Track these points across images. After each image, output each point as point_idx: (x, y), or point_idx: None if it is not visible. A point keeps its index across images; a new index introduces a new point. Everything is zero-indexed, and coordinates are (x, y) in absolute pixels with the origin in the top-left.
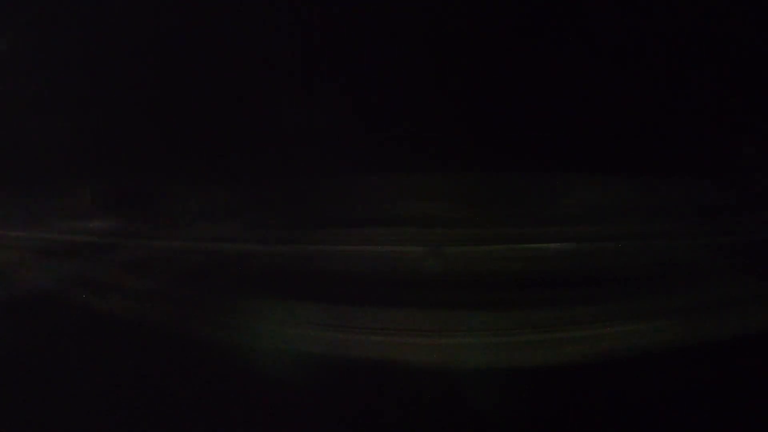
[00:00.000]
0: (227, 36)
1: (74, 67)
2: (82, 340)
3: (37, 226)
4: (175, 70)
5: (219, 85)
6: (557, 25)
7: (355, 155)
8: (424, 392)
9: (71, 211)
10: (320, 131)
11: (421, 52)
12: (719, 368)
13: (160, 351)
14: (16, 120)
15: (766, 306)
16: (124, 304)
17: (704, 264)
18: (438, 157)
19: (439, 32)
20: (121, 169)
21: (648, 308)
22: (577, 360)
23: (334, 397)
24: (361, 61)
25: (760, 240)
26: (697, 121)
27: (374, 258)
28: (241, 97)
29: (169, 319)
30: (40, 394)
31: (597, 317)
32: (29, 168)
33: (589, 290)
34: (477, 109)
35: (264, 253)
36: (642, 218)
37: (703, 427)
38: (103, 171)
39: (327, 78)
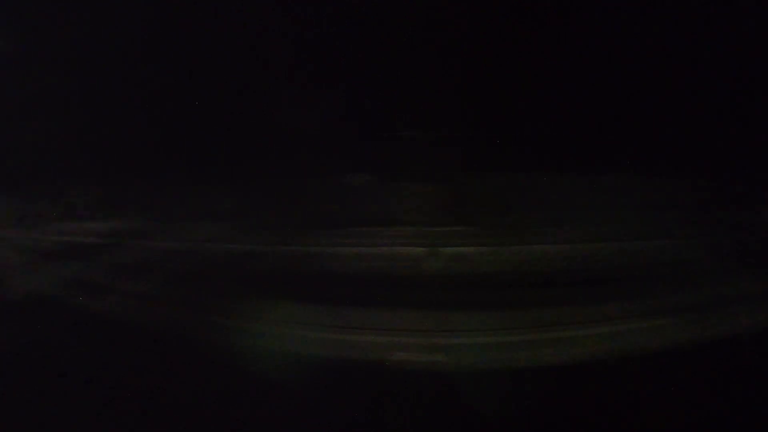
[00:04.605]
0: (227, 39)
1: (74, 69)
2: (80, 342)
3: (35, 227)
4: (175, 73)
5: (218, 87)
6: (557, 28)
7: (355, 156)
8: (424, 392)
9: (69, 211)
10: (320, 133)
11: (421, 55)
12: (719, 367)
13: (158, 352)
14: (15, 122)
15: (766, 306)
16: (122, 305)
17: (704, 264)
18: (438, 158)
19: (440, 35)
20: (119, 170)
21: (648, 308)
22: (577, 359)
23: (334, 398)
24: (360, 64)
25: (760, 240)
26: (697, 121)
27: (374, 258)
28: (241, 100)
29: (167, 321)
30: (37, 393)
31: (597, 317)
32: (28, 169)
33: (589, 290)
34: (477, 110)
35: (263, 254)
36: (642, 218)
37: (703, 426)
38: (101, 172)
39: (327, 80)
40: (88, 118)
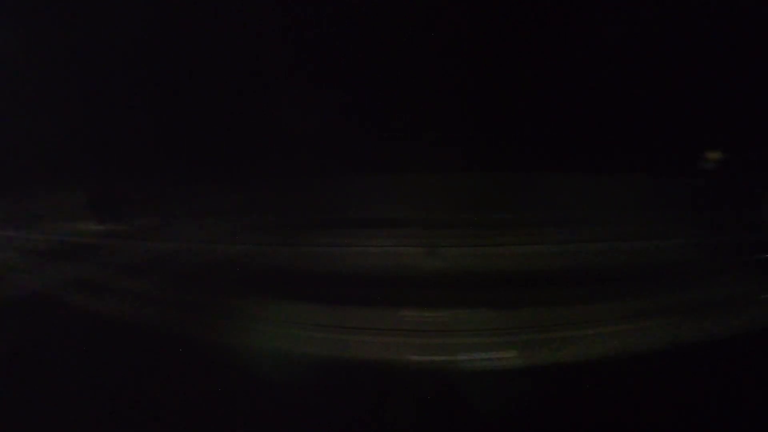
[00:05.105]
0: (227, 40)
1: (74, 69)
2: (80, 342)
3: (35, 227)
4: (175, 73)
5: (218, 87)
6: (557, 28)
7: (355, 156)
8: (424, 392)
9: (69, 212)
10: (320, 133)
11: (420, 55)
12: (719, 367)
13: (158, 352)
14: (15, 122)
15: (766, 306)
16: (122, 305)
17: (704, 264)
18: (438, 158)
19: (438, 35)
20: (118, 170)
21: (648, 308)
22: (576, 359)
23: (334, 398)
24: (360, 64)
25: (759, 240)
26: (696, 122)
27: (374, 258)
28: (240, 100)
29: (167, 321)
30: (37, 393)
31: (597, 317)
32: (28, 169)
33: (589, 290)
34: (477, 110)
35: (263, 254)
36: (642, 218)
37: (703, 425)
38: (100, 172)
39: (326, 80)
40: (89, 118)
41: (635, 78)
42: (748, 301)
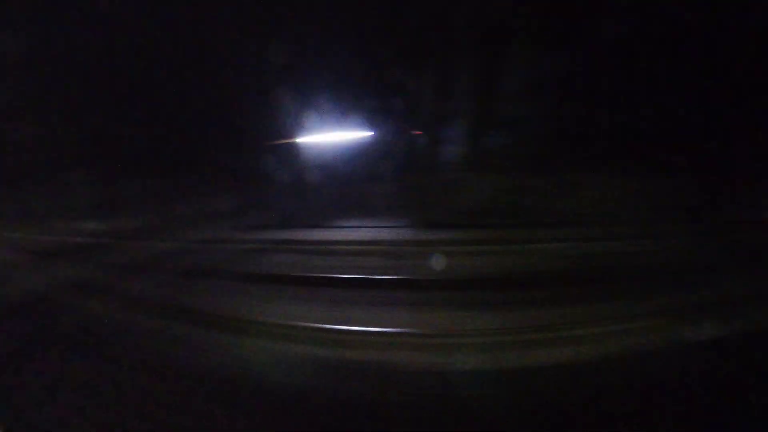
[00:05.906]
0: (228, 42)
1: (73, 69)
2: (80, 342)
3: (35, 227)
4: (175, 74)
5: (217, 88)
6: (558, 26)
7: (355, 157)
8: (424, 392)
9: (69, 211)
10: (320, 133)
11: (418, 55)
12: (719, 367)
13: (158, 352)
14: (15, 122)
15: (766, 306)
16: (121, 305)
17: (704, 264)
18: (437, 158)
19: (433, 35)
20: (119, 170)
21: (648, 308)
22: (576, 359)
23: (334, 398)
24: (358, 63)
25: (759, 240)
26: (696, 123)
27: (374, 258)
28: (240, 101)
29: (166, 321)
30: (37, 393)
31: (596, 317)
32: (28, 169)
33: (589, 290)
34: (476, 110)
35: (262, 254)
36: (641, 218)
37: (702, 425)
38: (101, 172)
39: (325, 81)
40: (89, 119)
41: (637, 80)
42: (747, 301)
